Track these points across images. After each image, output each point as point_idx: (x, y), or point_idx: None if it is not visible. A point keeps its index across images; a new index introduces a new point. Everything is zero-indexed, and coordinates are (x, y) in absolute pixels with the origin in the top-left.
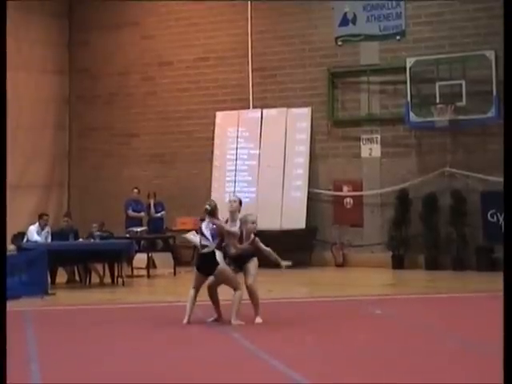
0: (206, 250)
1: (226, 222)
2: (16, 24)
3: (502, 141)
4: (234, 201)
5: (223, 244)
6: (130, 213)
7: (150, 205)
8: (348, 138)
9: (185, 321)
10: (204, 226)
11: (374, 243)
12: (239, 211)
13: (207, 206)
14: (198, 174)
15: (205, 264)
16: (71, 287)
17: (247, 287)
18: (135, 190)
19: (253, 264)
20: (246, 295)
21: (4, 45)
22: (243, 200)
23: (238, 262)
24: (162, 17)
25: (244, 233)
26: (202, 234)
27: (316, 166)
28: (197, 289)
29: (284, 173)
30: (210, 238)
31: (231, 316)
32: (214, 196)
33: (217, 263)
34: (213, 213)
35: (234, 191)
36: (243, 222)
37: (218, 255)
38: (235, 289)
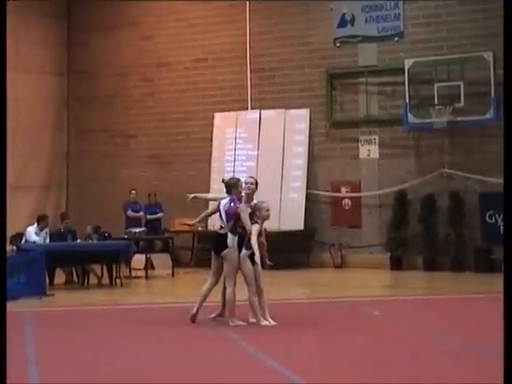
0: (222, 231)
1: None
2: (15, 25)
3: (501, 142)
4: (252, 183)
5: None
6: (130, 213)
7: (151, 204)
8: (346, 139)
9: (193, 311)
10: (222, 205)
11: (372, 244)
12: (254, 193)
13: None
14: (196, 175)
15: (216, 243)
16: (69, 288)
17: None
18: (133, 192)
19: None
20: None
21: (4, 46)
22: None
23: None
24: (161, 17)
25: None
26: (220, 214)
27: (314, 167)
28: (214, 276)
29: (282, 174)
30: (224, 219)
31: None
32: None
33: (226, 245)
34: (230, 190)
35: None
36: (257, 209)
37: (231, 239)
38: (227, 284)
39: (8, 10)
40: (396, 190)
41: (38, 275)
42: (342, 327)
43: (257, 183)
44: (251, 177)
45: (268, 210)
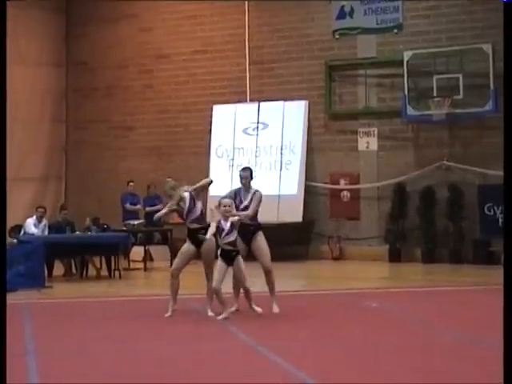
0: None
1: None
2: (13, 18)
3: (500, 134)
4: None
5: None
6: (128, 206)
7: (150, 196)
8: (345, 131)
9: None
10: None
11: (370, 236)
12: (249, 182)
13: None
14: (194, 166)
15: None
16: (68, 280)
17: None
18: (131, 184)
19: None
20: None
21: (4, 39)
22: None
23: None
24: (160, 9)
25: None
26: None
27: (313, 159)
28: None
29: (281, 166)
30: None
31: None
32: (211, 189)
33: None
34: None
35: (231, 184)
36: (219, 204)
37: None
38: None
39: (7, 3)
40: (395, 182)
41: (36, 267)
42: (340, 319)
43: (251, 172)
44: (247, 166)
45: (225, 206)
